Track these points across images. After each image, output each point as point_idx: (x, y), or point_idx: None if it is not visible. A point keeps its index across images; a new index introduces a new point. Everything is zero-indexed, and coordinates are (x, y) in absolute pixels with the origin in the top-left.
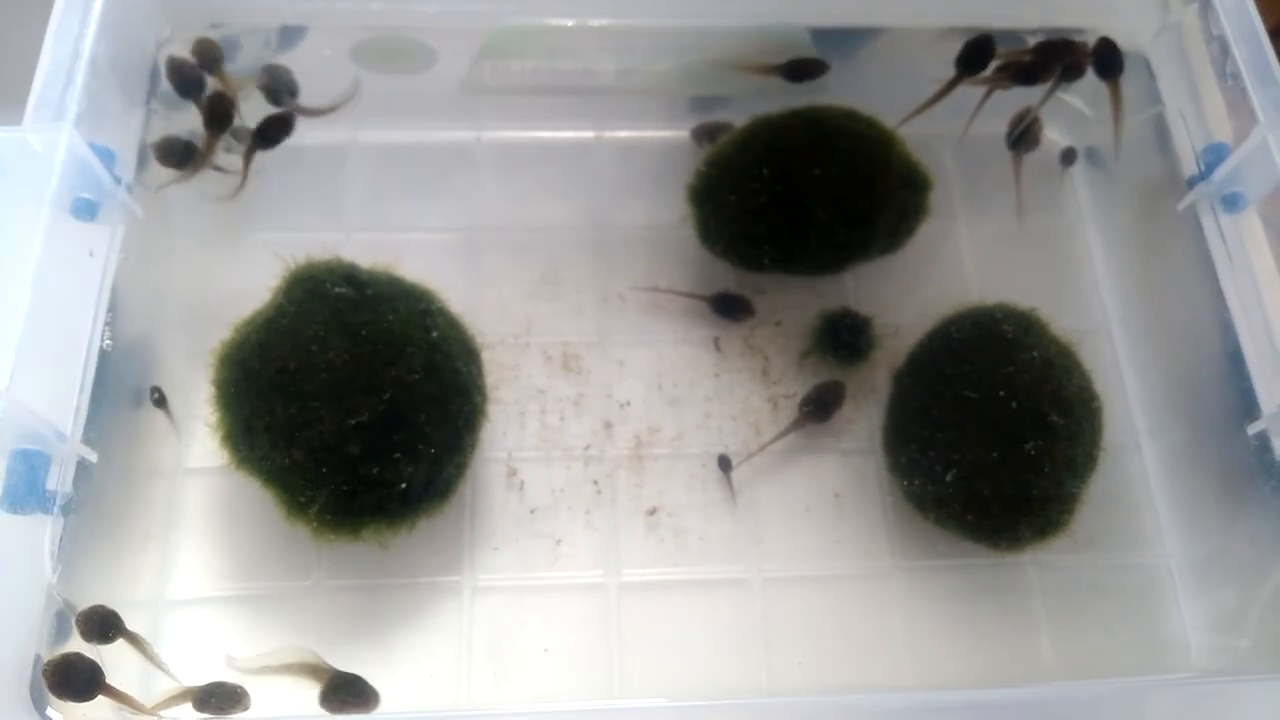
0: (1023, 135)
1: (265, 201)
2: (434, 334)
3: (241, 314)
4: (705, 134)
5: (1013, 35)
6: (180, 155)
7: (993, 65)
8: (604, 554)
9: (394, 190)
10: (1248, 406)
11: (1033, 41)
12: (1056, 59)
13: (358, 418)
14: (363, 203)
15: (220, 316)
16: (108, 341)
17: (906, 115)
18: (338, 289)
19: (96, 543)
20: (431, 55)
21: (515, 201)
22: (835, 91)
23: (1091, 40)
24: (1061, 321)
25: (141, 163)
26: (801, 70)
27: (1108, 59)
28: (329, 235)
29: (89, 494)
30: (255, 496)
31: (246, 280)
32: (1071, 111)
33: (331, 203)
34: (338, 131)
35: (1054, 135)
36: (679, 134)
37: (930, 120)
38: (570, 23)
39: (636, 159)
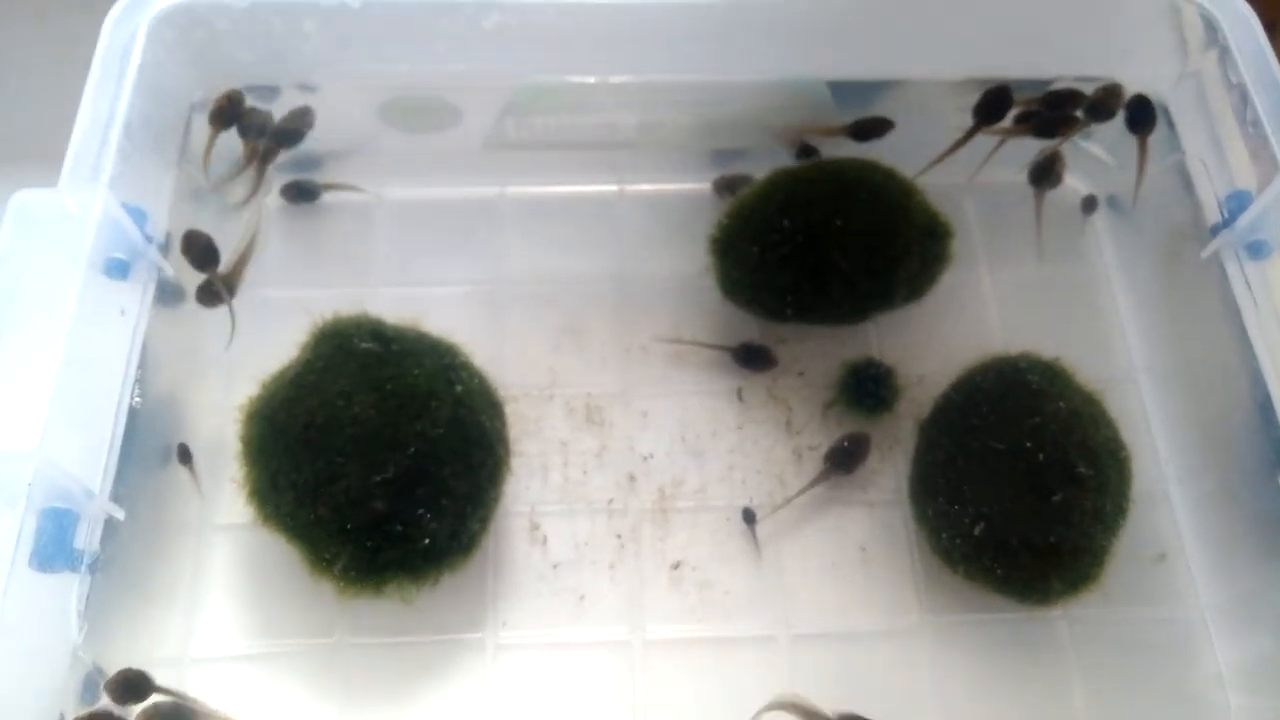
0: (1044, 170)
1: (292, 259)
2: (458, 388)
3: (269, 370)
4: (726, 186)
5: (1035, 84)
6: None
7: (1011, 114)
8: (628, 609)
9: (419, 246)
10: (1279, 456)
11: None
12: (1067, 108)
13: (383, 473)
14: (389, 258)
15: (248, 372)
16: (137, 399)
17: (926, 165)
18: (364, 344)
19: (122, 600)
20: (456, 113)
21: (539, 255)
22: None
23: (1109, 88)
24: (1087, 370)
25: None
26: (868, 129)
27: (1141, 114)
28: (355, 291)
29: (116, 551)
30: (280, 553)
31: (274, 336)
32: (1092, 159)
33: (358, 259)
34: (364, 189)
35: (1075, 183)
36: (700, 186)
37: (950, 169)
38: (592, 80)
39: (658, 211)
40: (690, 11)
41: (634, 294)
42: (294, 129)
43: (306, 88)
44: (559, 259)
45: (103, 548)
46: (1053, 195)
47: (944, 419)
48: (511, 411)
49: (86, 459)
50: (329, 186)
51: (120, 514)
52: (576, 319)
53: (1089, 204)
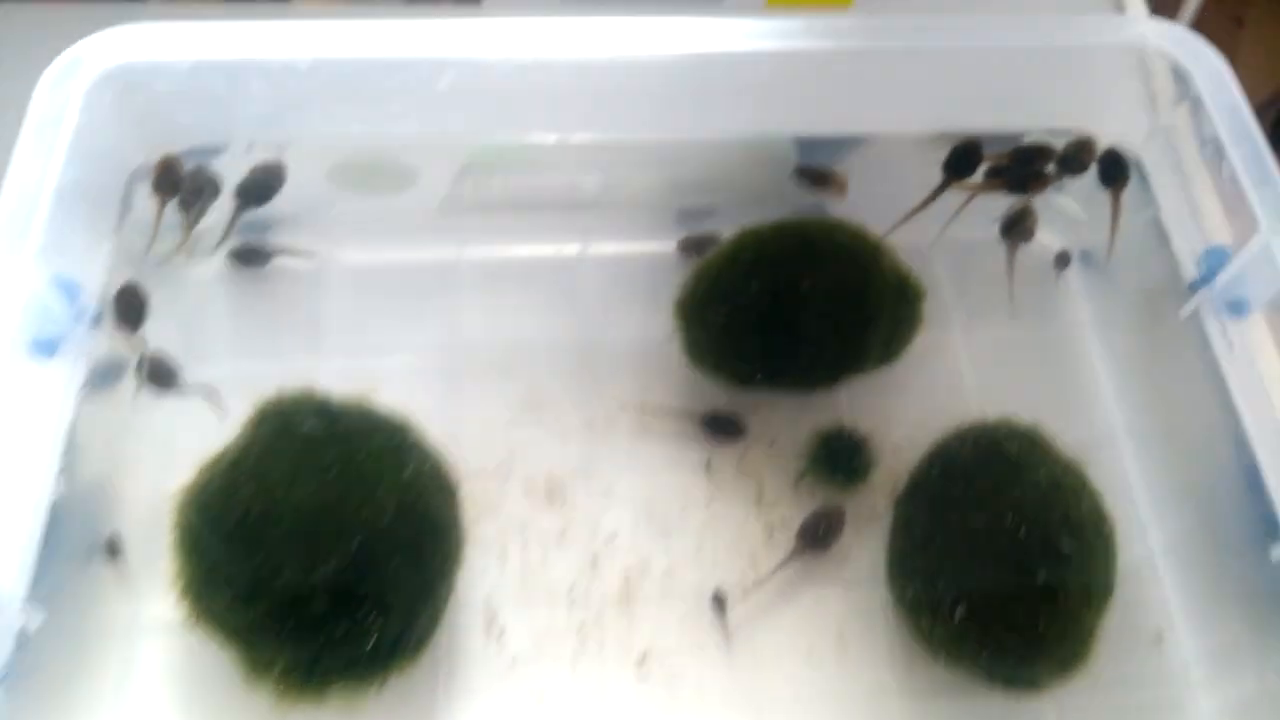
0: (1015, 225)
1: (239, 329)
2: (408, 470)
3: (210, 451)
4: (692, 246)
5: (1004, 138)
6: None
7: (981, 169)
8: (591, 709)
9: (372, 313)
10: (1270, 527)
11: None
12: (1038, 163)
13: (324, 567)
14: (340, 327)
15: (189, 456)
16: (61, 490)
17: (895, 223)
18: (307, 424)
19: (38, 714)
20: (411, 174)
21: (498, 321)
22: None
23: (1080, 142)
24: (1065, 434)
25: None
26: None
27: (1113, 168)
28: (305, 362)
29: (32, 659)
30: (214, 656)
31: (216, 414)
32: (1064, 214)
33: (308, 328)
34: (313, 253)
35: (1047, 238)
36: (666, 246)
37: (918, 226)
38: (552, 139)
39: (622, 274)
40: (652, 70)
41: (597, 361)
42: (265, 183)
43: (266, 150)
44: (518, 325)
45: (17, 656)
46: (1025, 251)
47: (920, 492)
48: (467, 491)
49: (1, 562)
50: (279, 252)
51: (38, 619)
52: (536, 389)
53: (1062, 260)
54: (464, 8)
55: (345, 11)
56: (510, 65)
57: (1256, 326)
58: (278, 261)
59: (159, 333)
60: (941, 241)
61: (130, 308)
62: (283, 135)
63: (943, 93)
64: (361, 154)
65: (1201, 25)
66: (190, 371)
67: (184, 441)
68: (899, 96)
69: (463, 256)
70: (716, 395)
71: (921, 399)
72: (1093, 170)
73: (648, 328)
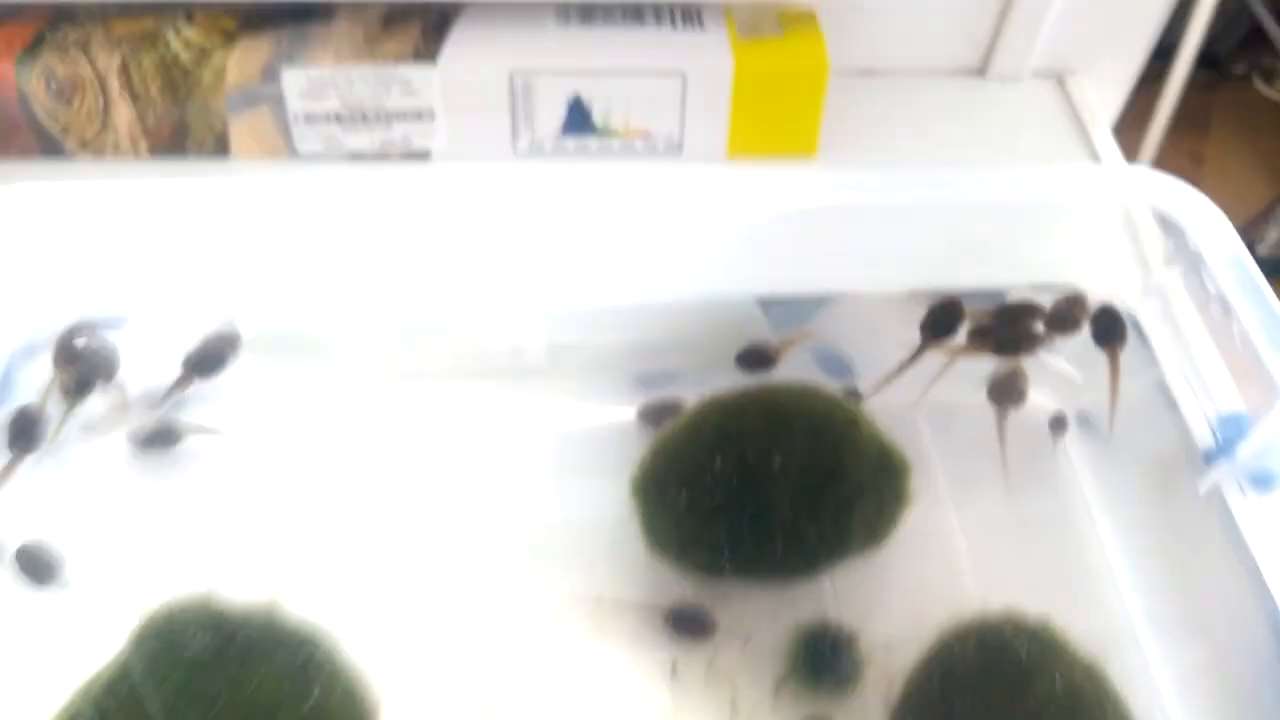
0: (1004, 387)
1: (136, 522)
2: (314, 694)
3: (86, 668)
4: (652, 415)
5: (986, 295)
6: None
7: (963, 329)
8: None
9: (287, 501)
10: None
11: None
12: (1025, 321)
13: None
14: (249, 519)
15: (58, 674)
16: None
17: (872, 388)
18: (197, 641)
19: None
20: (335, 342)
21: (431, 505)
22: (790, 366)
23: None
24: (1079, 625)
25: None
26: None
27: (1108, 327)
28: (206, 560)
29: None
30: None
31: (95, 626)
32: (1056, 375)
33: (212, 520)
34: (224, 433)
35: (1040, 401)
36: (624, 415)
37: (901, 392)
38: (496, 300)
39: (575, 446)
40: (607, 225)
41: (546, 547)
42: (218, 353)
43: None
44: (455, 508)
45: None
46: (1017, 416)
47: (920, 704)
48: (390, 712)
49: None
50: (184, 432)
51: None
52: (475, 581)
53: (1058, 424)
54: (412, 164)
55: (285, 166)
56: (449, 220)
57: None
58: (184, 444)
59: (40, 523)
60: (925, 406)
61: (23, 431)
62: (192, 303)
63: (917, 248)
64: (280, 321)
65: (1161, 164)
66: (73, 570)
67: (55, 657)
68: (870, 253)
69: (393, 433)
70: (682, 586)
71: (913, 587)
72: (1086, 328)
73: (604, 508)
